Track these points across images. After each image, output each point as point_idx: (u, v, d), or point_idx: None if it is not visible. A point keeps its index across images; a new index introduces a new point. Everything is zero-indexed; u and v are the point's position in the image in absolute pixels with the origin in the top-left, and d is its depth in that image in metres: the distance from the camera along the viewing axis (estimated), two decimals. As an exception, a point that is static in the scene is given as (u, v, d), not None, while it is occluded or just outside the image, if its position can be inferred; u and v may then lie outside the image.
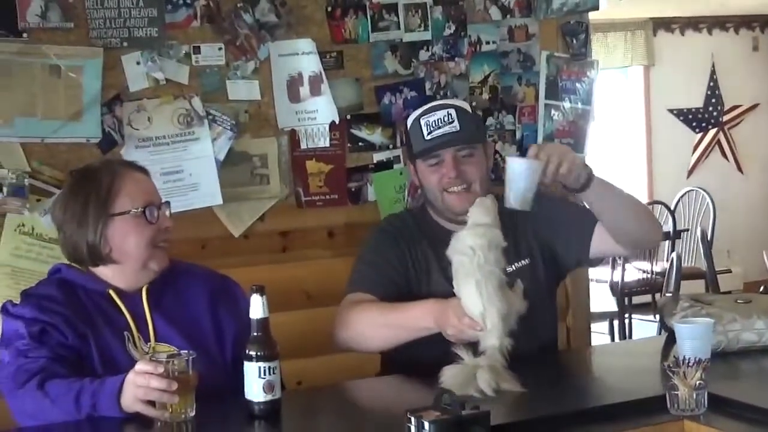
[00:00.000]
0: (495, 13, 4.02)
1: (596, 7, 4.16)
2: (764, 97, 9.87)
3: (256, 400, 2.43)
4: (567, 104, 4.13)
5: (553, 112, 4.11)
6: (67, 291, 2.66)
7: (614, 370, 2.98)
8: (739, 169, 9.78)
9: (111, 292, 2.65)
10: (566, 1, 4.09)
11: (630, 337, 7.06)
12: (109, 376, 2.46)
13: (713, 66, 9.63)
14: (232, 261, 3.50)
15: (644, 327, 7.19)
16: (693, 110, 9.61)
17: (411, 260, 3.03)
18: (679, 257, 6.67)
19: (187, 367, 2.39)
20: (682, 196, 8.60)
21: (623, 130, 9.39)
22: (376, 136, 3.86)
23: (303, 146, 3.76)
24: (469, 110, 3.13)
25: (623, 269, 7.11)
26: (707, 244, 7.42)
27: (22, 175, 3.35)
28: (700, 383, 2.41)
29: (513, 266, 2.92)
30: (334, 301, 3.03)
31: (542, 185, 2.76)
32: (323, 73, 3.75)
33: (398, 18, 3.86)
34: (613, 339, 7.09)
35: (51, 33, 3.39)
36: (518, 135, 4.08)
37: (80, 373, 2.50)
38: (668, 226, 7.57)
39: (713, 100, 9.66)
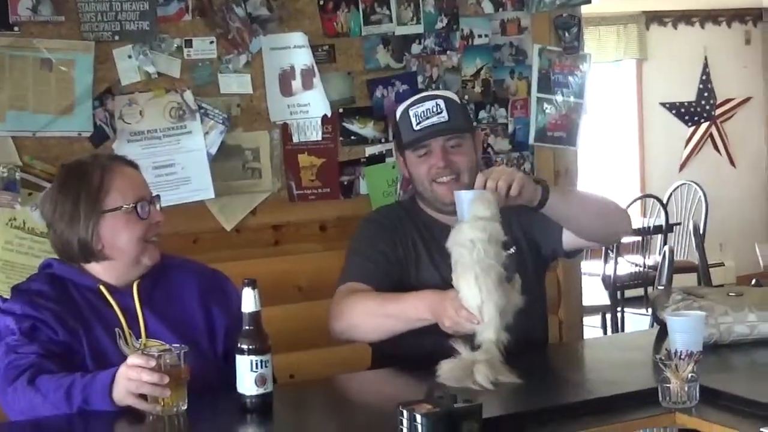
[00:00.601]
0: (487, 6, 4.02)
1: (588, 1, 4.16)
2: (756, 90, 9.88)
3: (248, 393, 2.42)
4: (559, 98, 4.14)
5: (545, 105, 4.12)
6: (58, 286, 2.65)
7: (606, 363, 2.98)
8: (732, 162, 9.79)
9: (102, 287, 2.64)
10: (558, -6, 4.09)
11: (623, 330, 7.06)
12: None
13: (706, 59, 9.63)
14: (224, 255, 3.50)
15: (637, 321, 7.19)
16: (685, 104, 9.61)
17: (401, 250, 3.03)
18: (671, 251, 6.67)
19: (179, 361, 2.39)
20: (674, 190, 8.60)
21: (616, 123, 9.39)
22: (368, 129, 3.86)
23: (295, 140, 3.76)
24: (458, 101, 3.14)
25: (616, 263, 7.11)
26: (699, 238, 7.43)
27: (14, 169, 3.34)
28: (692, 376, 2.41)
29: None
30: (326, 295, 3.03)
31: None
32: (315, 66, 3.75)
33: (390, 11, 3.86)
34: (605, 333, 7.09)
35: (42, 27, 3.38)
36: (510, 128, 4.08)
37: (71, 369, 2.50)
38: (660, 220, 7.58)
39: (705, 94, 9.66)
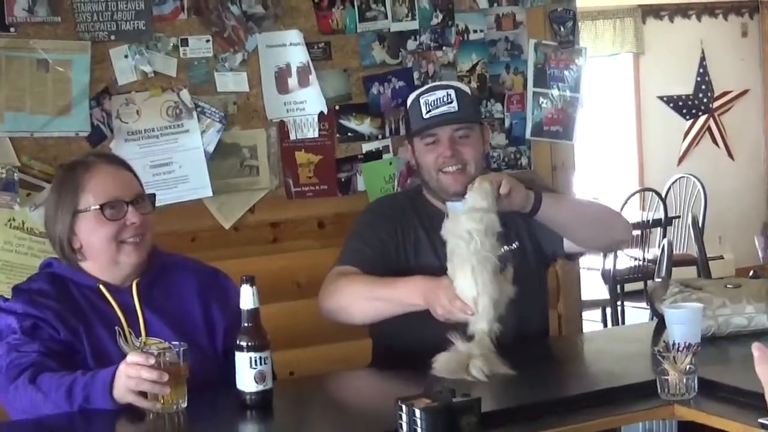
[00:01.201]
0: (482, 1, 4.02)
1: (583, -6, 4.17)
2: (754, 82, 9.87)
3: (247, 390, 2.43)
4: (555, 92, 4.14)
5: (541, 99, 4.12)
6: (59, 285, 2.65)
7: (604, 355, 2.99)
8: (730, 155, 9.78)
9: (101, 286, 2.65)
10: (553, -12, 4.10)
11: (623, 324, 7.05)
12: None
13: (702, 52, 9.62)
14: (223, 253, 3.50)
15: (637, 314, 7.18)
16: (683, 97, 9.60)
17: (402, 237, 3.03)
18: (670, 244, 6.66)
19: (179, 359, 2.40)
20: (672, 183, 8.59)
21: (613, 117, 9.39)
22: (364, 126, 3.86)
23: (292, 137, 3.76)
24: (469, 92, 3.15)
25: (615, 257, 7.10)
26: (698, 231, 7.42)
27: (12, 170, 3.35)
28: (690, 368, 2.42)
29: (503, 249, 2.92)
30: (325, 292, 3.03)
31: None
32: (311, 63, 3.75)
33: (385, 8, 3.86)
34: (605, 327, 7.08)
35: (38, 27, 3.39)
36: (507, 123, 4.09)
37: (72, 368, 2.50)
38: (659, 213, 7.57)
39: (703, 87, 9.66)
